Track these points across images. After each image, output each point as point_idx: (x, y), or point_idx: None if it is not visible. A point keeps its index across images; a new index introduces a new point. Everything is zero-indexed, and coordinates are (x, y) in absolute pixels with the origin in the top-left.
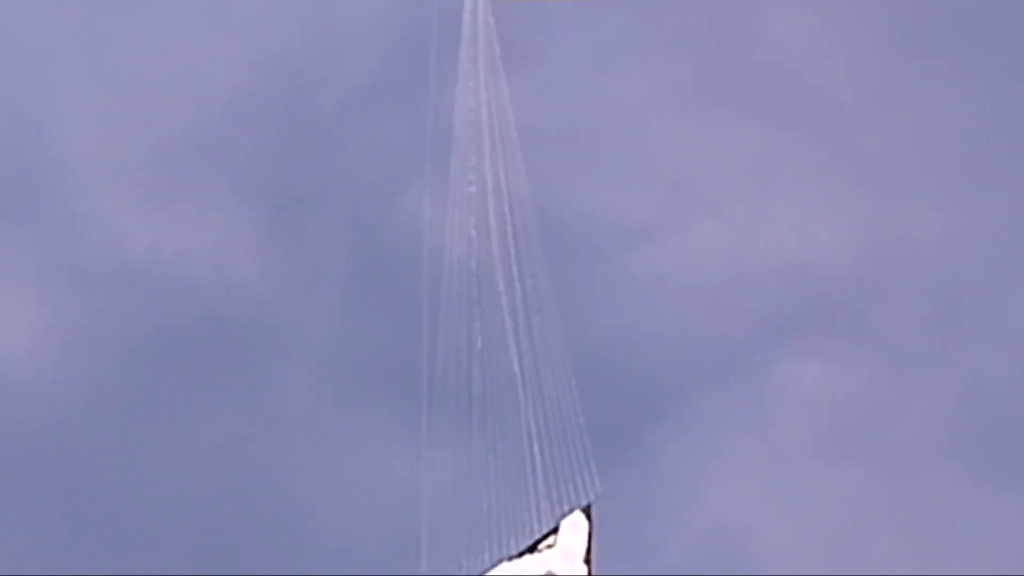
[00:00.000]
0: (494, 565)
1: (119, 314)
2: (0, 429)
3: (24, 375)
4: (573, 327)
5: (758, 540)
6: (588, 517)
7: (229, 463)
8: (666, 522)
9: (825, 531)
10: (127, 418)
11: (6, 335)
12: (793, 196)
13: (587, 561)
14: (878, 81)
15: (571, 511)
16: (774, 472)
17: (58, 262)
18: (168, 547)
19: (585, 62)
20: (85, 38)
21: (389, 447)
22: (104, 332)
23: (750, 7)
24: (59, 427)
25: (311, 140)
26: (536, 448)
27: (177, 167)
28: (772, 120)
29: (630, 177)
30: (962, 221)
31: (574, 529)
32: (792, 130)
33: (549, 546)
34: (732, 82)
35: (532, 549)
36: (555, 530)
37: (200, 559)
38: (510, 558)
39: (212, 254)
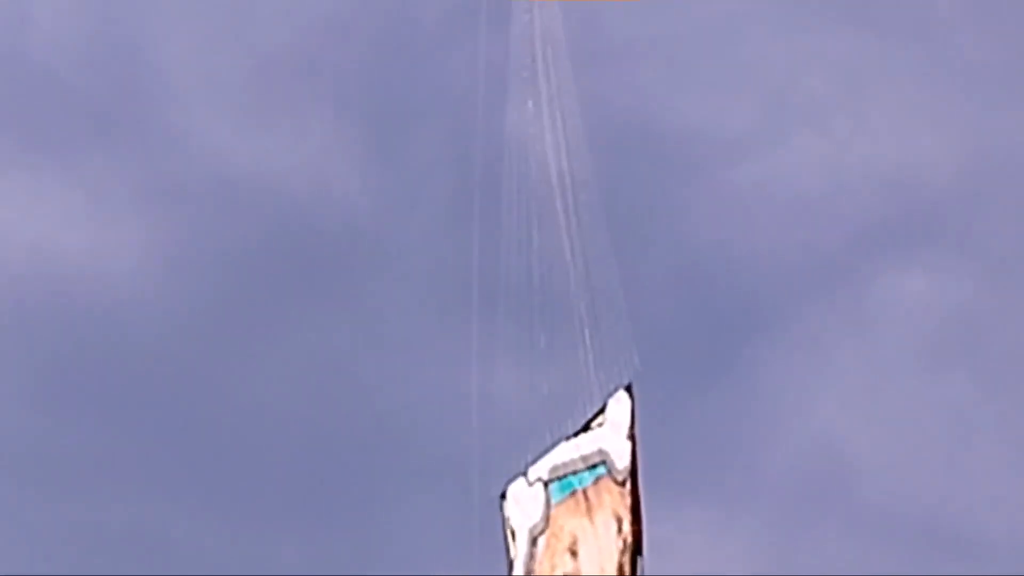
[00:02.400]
0: (554, 445)
1: (220, 230)
2: (106, 345)
3: (128, 291)
4: (672, 241)
5: (861, 453)
6: (630, 394)
7: (330, 378)
8: (769, 436)
9: (929, 444)
10: (229, 333)
11: (109, 251)
12: (893, 105)
13: (631, 437)
14: None
15: (616, 390)
16: (877, 385)
17: (158, 178)
18: (270, 461)
19: None
20: None
21: (487, 359)
22: (205, 248)
23: None
24: (162, 342)
25: (410, 55)
26: (587, 334)
27: (276, 82)
28: (870, 28)
29: (728, 89)
30: None
31: (618, 406)
32: (891, 38)
33: (600, 424)
34: None
35: (586, 428)
36: (603, 409)
37: (302, 473)
38: (567, 438)
39: (312, 169)
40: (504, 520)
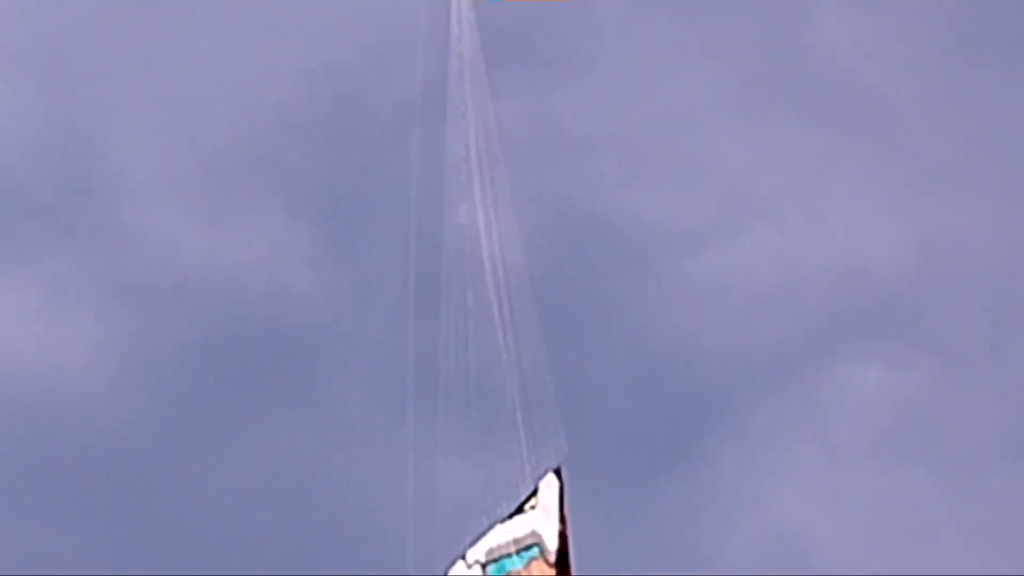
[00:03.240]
0: (491, 528)
1: (174, 325)
2: (58, 440)
3: (82, 387)
4: (629, 334)
5: (818, 544)
6: (559, 477)
7: (285, 472)
8: (726, 526)
9: (886, 534)
10: (184, 428)
11: (63, 347)
12: (848, 200)
13: (562, 519)
14: (932, 85)
15: (545, 473)
16: (833, 476)
17: (112, 275)
18: (225, 557)
19: (636, 69)
20: (137, 52)
21: (445, 452)
22: (160, 343)
23: (802, 12)
24: (117, 437)
25: (362, 151)
26: (519, 419)
27: (230, 179)
28: (826, 125)
29: (684, 183)
30: (1017, 224)
31: (549, 489)
32: (846, 134)
33: (532, 507)
34: (785, 87)
35: (519, 511)
36: (535, 491)
37: (255, 566)
38: (502, 521)
39: (266, 265)
40: None
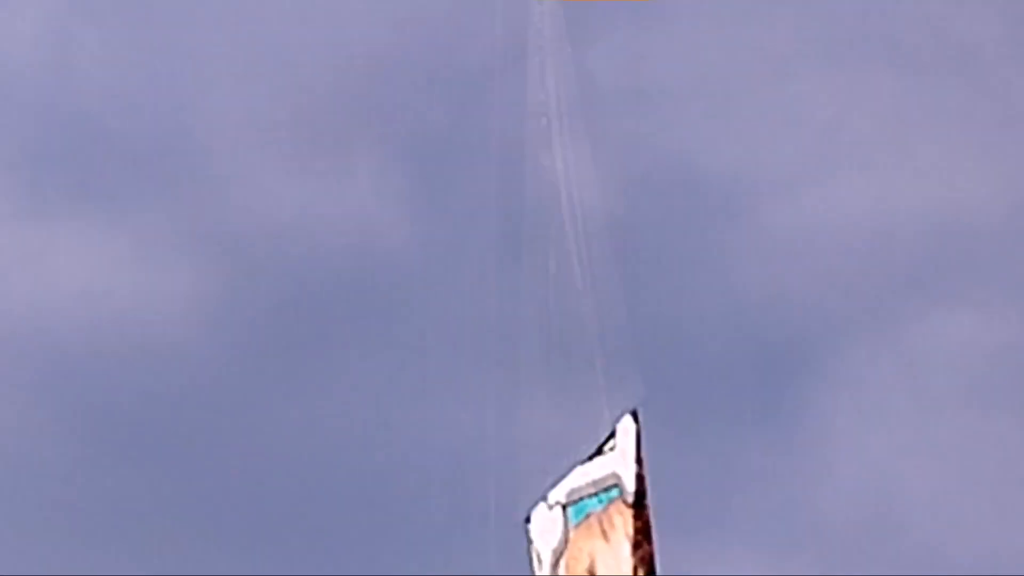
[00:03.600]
0: (571, 470)
1: (266, 275)
2: (151, 389)
3: (174, 336)
4: (717, 283)
5: (911, 494)
6: (636, 419)
7: (374, 421)
8: (817, 477)
9: (980, 483)
10: (272, 380)
11: (154, 298)
12: (939, 145)
13: (638, 460)
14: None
15: (622, 416)
16: (926, 424)
17: (203, 225)
18: (314, 504)
19: (725, 14)
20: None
21: (528, 397)
22: (250, 294)
23: None
24: (206, 388)
25: (455, 98)
26: (597, 360)
27: (322, 128)
28: (917, 68)
29: (773, 130)
30: None
31: (625, 432)
32: (937, 77)
33: (611, 448)
34: (874, 30)
35: (599, 452)
36: (613, 434)
37: (343, 519)
38: (582, 463)
39: (358, 214)
40: (529, 543)
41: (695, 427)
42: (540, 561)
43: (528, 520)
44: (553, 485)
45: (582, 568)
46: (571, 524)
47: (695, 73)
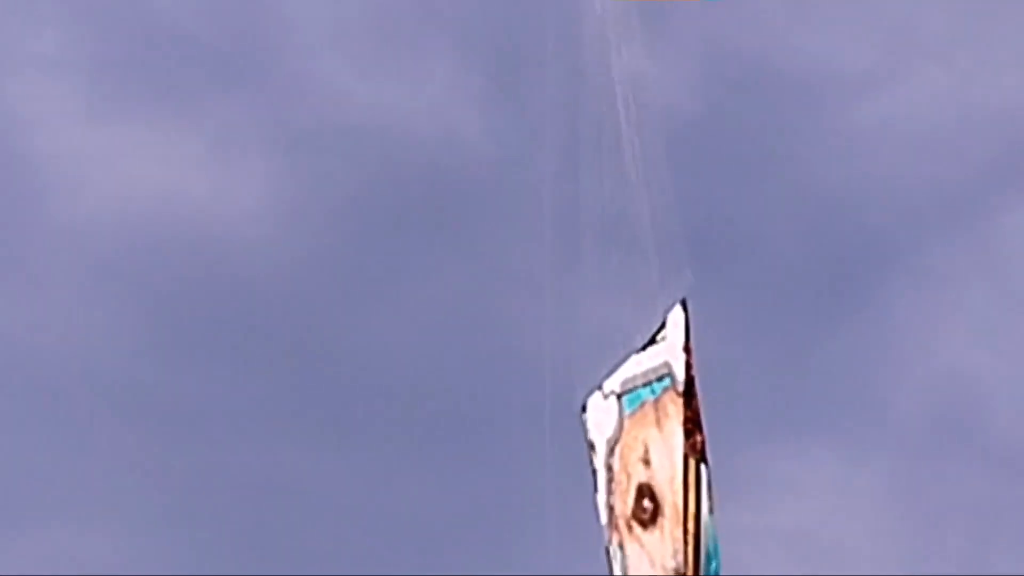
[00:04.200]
0: (625, 360)
1: (342, 173)
2: (228, 286)
3: (251, 233)
4: (795, 179)
5: (992, 387)
6: (685, 309)
7: (454, 319)
8: (898, 372)
9: None
10: (350, 276)
11: (231, 195)
12: (1019, 37)
13: (686, 349)
14: None
15: (672, 306)
16: (1007, 319)
17: (280, 123)
18: (390, 401)
19: None
20: None
21: (613, 297)
22: (327, 191)
23: None
24: (285, 284)
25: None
26: (652, 254)
27: (398, 26)
28: None
29: (850, 26)
30: None
31: (675, 322)
32: None
33: (663, 338)
34: None
35: (652, 342)
36: (664, 324)
37: (422, 412)
38: (636, 352)
39: (435, 111)
40: (585, 432)
41: (774, 324)
42: (595, 449)
43: (584, 409)
44: (608, 375)
45: (636, 457)
46: (626, 413)
47: None
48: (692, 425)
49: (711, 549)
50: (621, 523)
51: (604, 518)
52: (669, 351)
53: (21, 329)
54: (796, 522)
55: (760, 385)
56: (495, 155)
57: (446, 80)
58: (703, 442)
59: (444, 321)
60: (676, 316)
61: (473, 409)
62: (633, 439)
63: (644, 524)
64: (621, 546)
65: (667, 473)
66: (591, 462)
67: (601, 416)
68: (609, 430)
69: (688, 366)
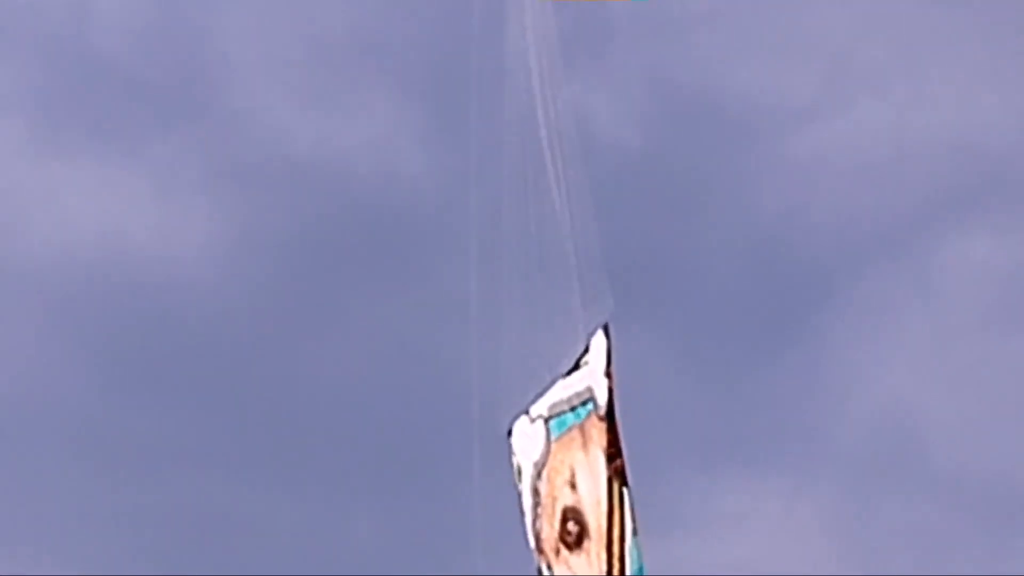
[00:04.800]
0: (552, 384)
1: (284, 210)
2: (173, 327)
3: (194, 272)
4: (734, 210)
5: (931, 418)
6: (606, 334)
7: (394, 353)
8: (837, 403)
9: (1000, 407)
10: (294, 313)
11: (175, 234)
12: (955, 69)
13: (608, 374)
14: None
15: (595, 330)
16: (945, 349)
17: (222, 161)
18: (335, 437)
19: None
20: None
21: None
22: (270, 228)
23: None
24: (229, 323)
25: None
26: (577, 278)
27: (338, 61)
28: None
29: (788, 57)
30: None
31: (597, 347)
32: (952, 2)
33: (586, 363)
34: None
35: (576, 367)
36: (587, 349)
37: (368, 447)
38: (562, 376)
39: (376, 148)
40: (512, 455)
41: (712, 355)
42: (522, 473)
43: (510, 433)
44: (535, 399)
45: (563, 480)
46: (552, 437)
47: (711, 3)
48: (614, 449)
49: (637, 571)
50: (548, 547)
51: (532, 542)
52: (592, 376)
53: None
54: (739, 553)
55: (700, 417)
56: (433, 189)
57: (387, 114)
58: (623, 465)
59: (384, 354)
60: (598, 341)
61: (408, 438)
62: (560, 463)
63: (570, 547)
64: (550, 568)
65: (592, 496)
66: (516, 486)
67: (528, 440)
68: (536, 454)
69: (610, 391)
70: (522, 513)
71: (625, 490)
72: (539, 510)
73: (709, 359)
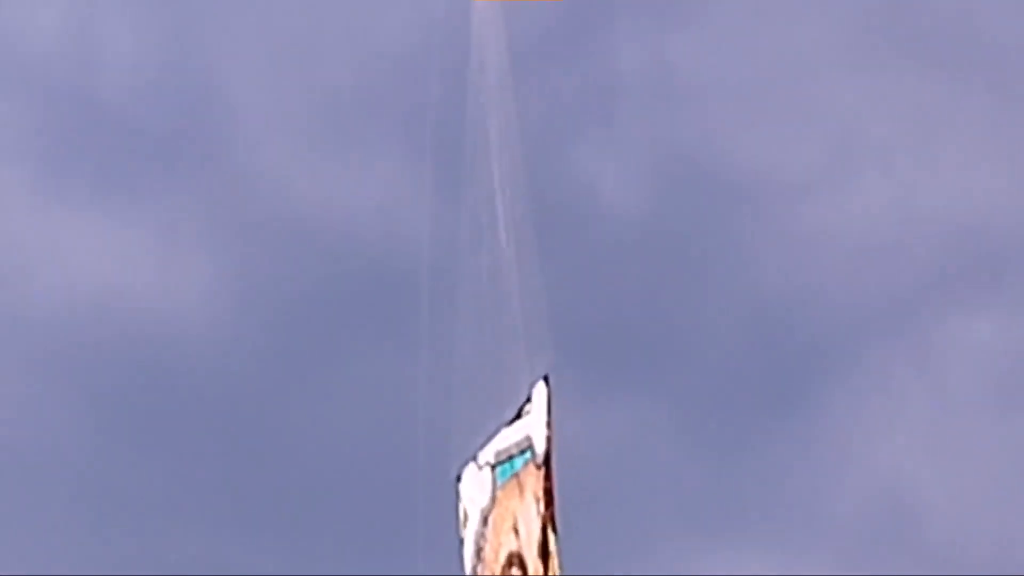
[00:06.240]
0: (496, 433)
1: (287, 267)
2: (172, 379)
3: (195, 326)
4: (736, 281)
5: (929, 497)
6: (547, 384)
7: (399, 412)
8: (834, 479)
9: (998, 487)
10: (295, 370)
11: (176, 288)
12: (962, 148)
13: (548, 424)
14: None
15: (536, 381)
16: (945, 428)
17: (225, 215)
18: (333, 495)
19: (747, 15)
20: None
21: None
22: (272, 284)
23: None
24: (229, 378)
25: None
26: (520, 326)
27: (344, 119)
28: (940, 71)
29: (794, 131)
30: None
31: (538, 396)
32: (961, 81)
33: (528, 412)
34: (898, 32)
35: (519, 416)
36: (529, 398)
37: (365, 505)
38: (507, 423)
39: (380, 207)
40: (458, 501)
41: (710, 425)
42: (467, 518)
43: (459, 479)
44: (482, 446)
45: (508, 526)
46: (498, 484)
47: (720, 72)
48: (548, 496)
49: None
50: None
51: None
52: (531, 425)
53: None
54: None
55: (697, 486)
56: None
57: (392, 173)
58: (552, 514)
59: (382, 418)
60: (540, 390)
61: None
62: (504, 509)
63: None
64: None
65: (529, 541)
66: (459, 532)
67: (476, 487)
68: (484, 500)
69: (548, 439)
70: (462, 560)
71: (553, 537)
72: (482, 555)
73: (707, 429)
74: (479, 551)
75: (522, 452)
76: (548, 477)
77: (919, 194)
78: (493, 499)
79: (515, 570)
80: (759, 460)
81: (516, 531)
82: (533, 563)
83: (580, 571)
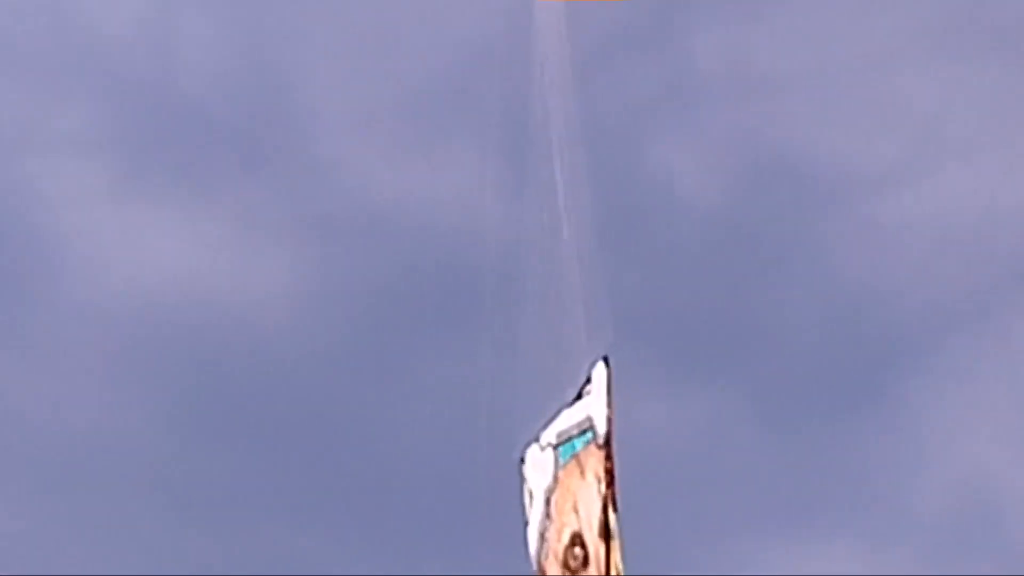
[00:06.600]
0: (559, 413)
1: (365, 260)
2: (248, 370)
3: (272, 318)
4: (817, 274)
5: (1012, 488)
6: (607, 364)
7: (465, 397)
8: (918, 470)
9: None
10: (371, 363)
11: (255, 281)
12: None
13: (608, 403)
14: None
15: (596, 361)
16: None
17: (305, 209)
18: (408, 489)
19: (827, 7)
20: None
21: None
22: (350, 277)
23: None
24: (307, 370)
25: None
26: (582, 308)
27: (424, 113)
28: (1021, 63)
29: (875, 123)
30: None
31: (598, 376)
32: None
33: (588, 392)
34: (979, 23)
35: (579, 396)
36: (589, 379)
37: (439, 499)
38: (568, 405)
39: (457, 200)
40: (523, 482)
41: (791, 417)
42: (532, 499)
43: (522, 460)
44: (545, 427)
45: (569, 506)
46: (560, 464)
47: (799, 65)
48: (609, 476)
49: None
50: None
51: (536, 569)
52: (592, 405)
53: (39, 409)
54: None
55: (778, 479)
56: (517, 242)
57: (471, 167)
58: (614, 493)
59: (469, 409)
60: (599, 372)
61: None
62: (566, 488)
63: (575, 572)
64: None
65: (589, 521)
66: (524, 512)
67: (539, 467)
68: (546, 480)
69: (608, 420)
70: (526, 542)
71: (614, 516)
72: (545, 536)
73: (786, 421)
74: (543, 532)
75: (583, 432)
76: (609, 457)
77: (1000, 187)
78: (555, 479)
79: (578, 549)
80: (838, 453)
81: (577, 511)
82: (593, 543)
83: (645, 555)
